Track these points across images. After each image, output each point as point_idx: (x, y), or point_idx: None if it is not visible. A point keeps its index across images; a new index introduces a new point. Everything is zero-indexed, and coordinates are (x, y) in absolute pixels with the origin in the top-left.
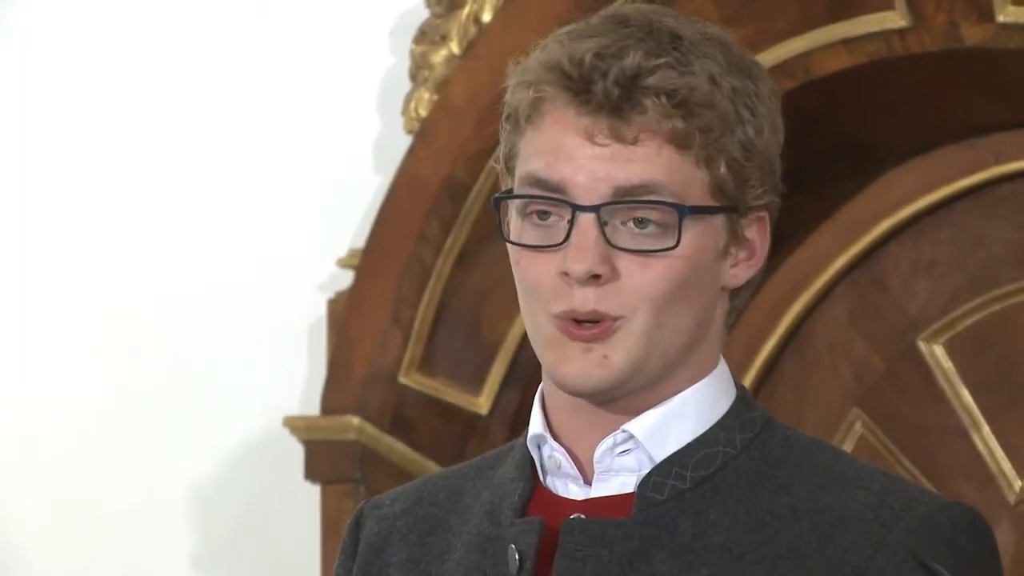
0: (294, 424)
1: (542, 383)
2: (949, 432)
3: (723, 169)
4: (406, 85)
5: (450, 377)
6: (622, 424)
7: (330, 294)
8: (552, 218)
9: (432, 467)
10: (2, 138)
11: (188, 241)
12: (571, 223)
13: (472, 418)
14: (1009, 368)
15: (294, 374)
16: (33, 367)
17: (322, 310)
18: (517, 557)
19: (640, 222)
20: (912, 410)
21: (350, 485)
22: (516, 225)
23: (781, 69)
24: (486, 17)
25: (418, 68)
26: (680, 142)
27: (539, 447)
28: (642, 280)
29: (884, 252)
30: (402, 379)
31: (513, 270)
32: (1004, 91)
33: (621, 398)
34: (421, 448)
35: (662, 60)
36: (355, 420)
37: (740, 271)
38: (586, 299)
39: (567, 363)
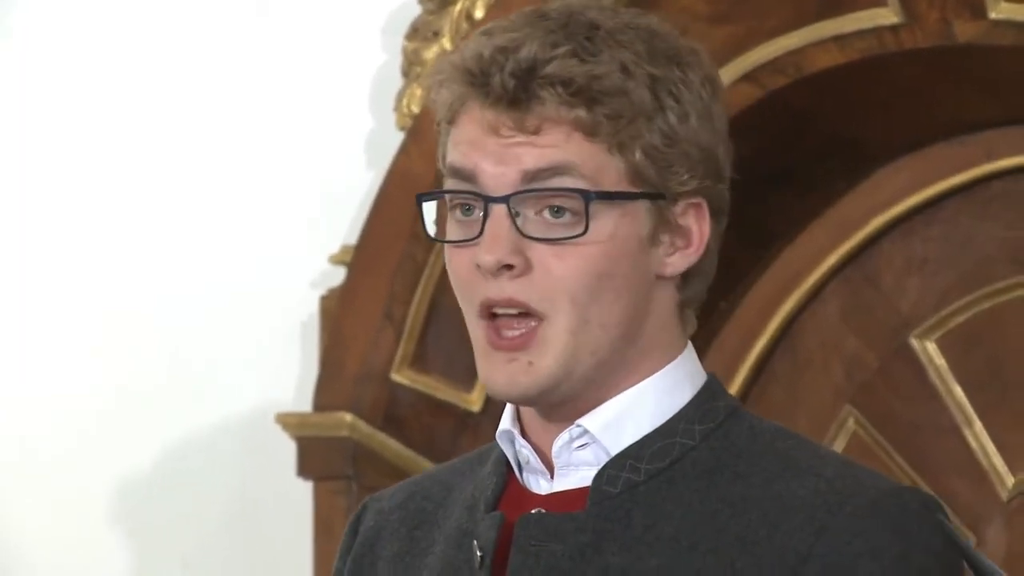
0: (287, 421)
1: None
2: (942, 429)
3: (639, 155)
4: (398, 82)
5: (442, 374)
6: (578, 419)
7: (323, 291)
8: (475, 212)
9: (425, 464)
10: (2, 138)
11: (181, 239)
12: (485, 215)
13: (464, 415)
14: (1001, 365)
15: (287, 371)
16: (33, 367)
17: (315, 307)
18: (479, 553)
19: (555, 212)
20: (905, 407)
21: (342, 482)
22: (449, 224)
23: (772, 66)
24: (478, 13)
25: (410, 64)
26: (587, 130)
27: (512, 443)
28: (557, 271)
29: (876, 250)
30: (394, 376)
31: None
32: (996, 88)
33: (570, 397)
34: (413, 445)
35: (560, 50)
36: (347, 417)
37: (677, 259)
38: (502, 288)
39: (493, 373)
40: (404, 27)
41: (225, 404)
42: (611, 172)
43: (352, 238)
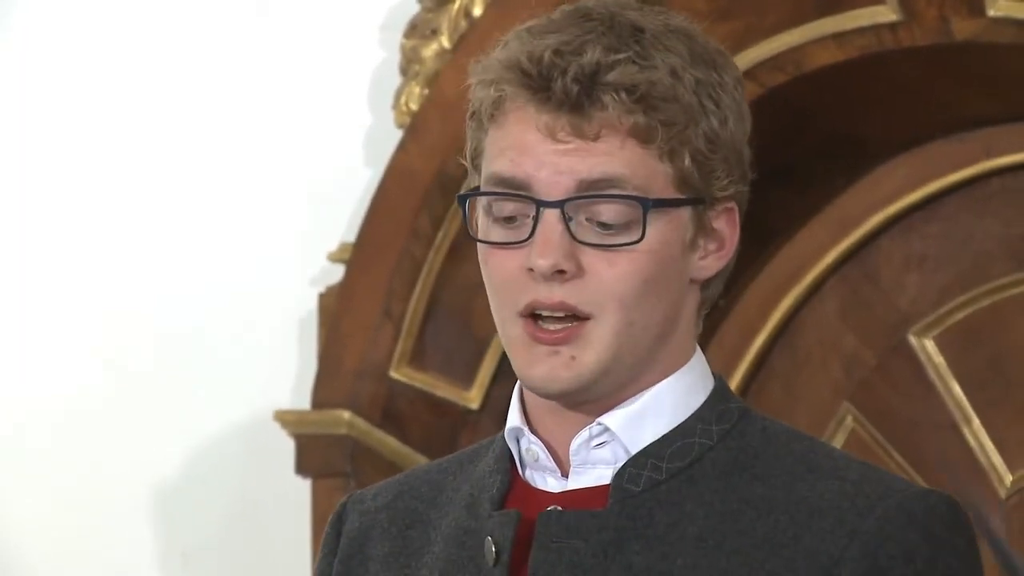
0: (285, 418)
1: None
2: (940, 426)
3: (687, 161)
4: (397, 79)
5: (441, 371)
6: (597, 417)
7: (321, 288)
8: (519, 218)
9: (423, 461)
10: (2, 138)
11: (180, 237)
12: (536, 219)
13: (463, 412)
14: (1000, 362)
15: (285, 368)
16: (33, 367)
17: (313, 304)
18: (494, 549)
19: (604, 220)
20: (903, 404)
21: (341, 479)
22: (483, 224)
23: (771, 64)
24: (476, 11)
25: (409, 62)
26: (642, 136)
27: (517, 440)
28: (608, 276)
29: (875, 247)
30: (393, 373)
31: (482, 269)
32: (995, 85)
33: (601, 395)
34: (412, 442)
35: (621, 55)
36: (346, 414)
37: (709, 263)
38: (552, 291)
39: (533, 366)
40: (403, 24)
41: (224, 402)
42: (659, 178)
43: (351, 236)
